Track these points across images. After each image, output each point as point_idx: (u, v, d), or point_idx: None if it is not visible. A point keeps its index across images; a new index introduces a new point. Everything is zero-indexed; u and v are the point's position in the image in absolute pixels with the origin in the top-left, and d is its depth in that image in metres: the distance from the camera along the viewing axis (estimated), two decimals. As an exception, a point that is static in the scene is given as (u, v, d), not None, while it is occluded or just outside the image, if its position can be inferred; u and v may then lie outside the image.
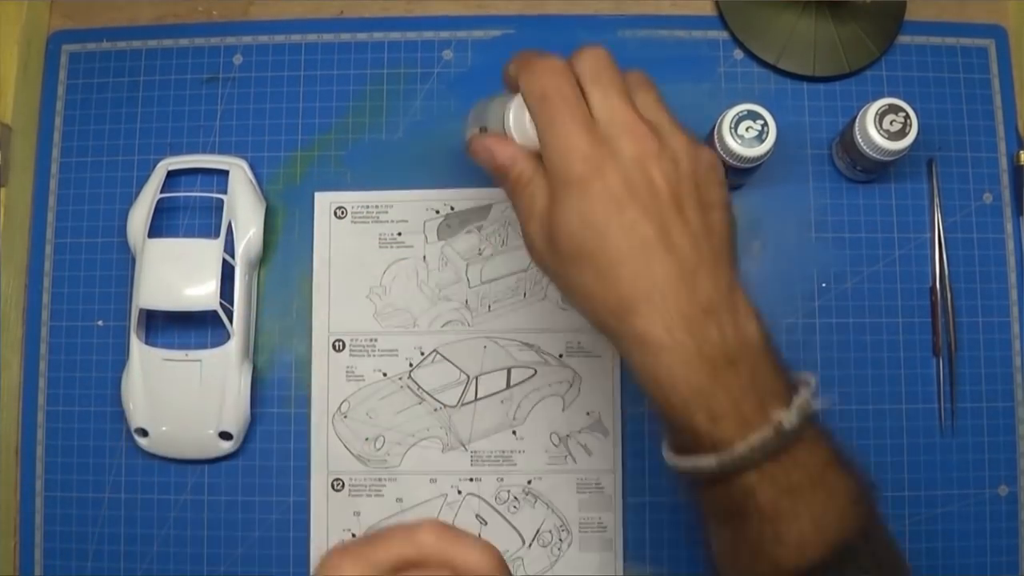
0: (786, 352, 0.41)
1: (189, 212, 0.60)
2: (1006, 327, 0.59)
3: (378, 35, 0.62)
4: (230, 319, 0.56)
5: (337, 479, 0.58)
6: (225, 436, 0.57)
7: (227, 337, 0.57)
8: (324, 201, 0.60)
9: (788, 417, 0.38)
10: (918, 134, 0.53)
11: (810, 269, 0.59)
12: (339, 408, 0.59)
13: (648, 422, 0.58)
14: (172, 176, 0.60)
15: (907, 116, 0.53)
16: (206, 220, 0.60)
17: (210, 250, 0.56)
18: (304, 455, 0.58)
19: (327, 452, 0.58)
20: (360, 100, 0.61)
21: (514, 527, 0.58)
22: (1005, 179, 0.60)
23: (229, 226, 0.57)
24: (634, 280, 0.39)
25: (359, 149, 0.61)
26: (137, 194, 0.59)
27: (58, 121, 0.62)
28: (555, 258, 0.41)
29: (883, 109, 0.53)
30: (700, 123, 0.56)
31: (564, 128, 0.40)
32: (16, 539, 0.59)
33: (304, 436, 0.59)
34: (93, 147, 0.61)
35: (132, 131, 0.61)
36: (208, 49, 0.62)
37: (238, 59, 0.62)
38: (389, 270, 0.60)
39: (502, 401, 0.58)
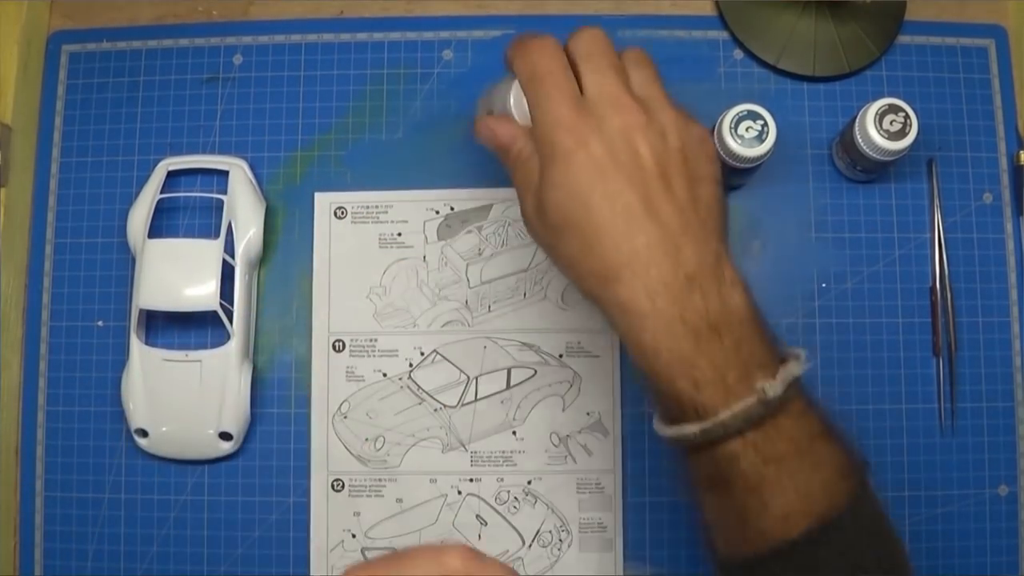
0: (786, 352, 0.42)
1: (189, 212, 0.60)
2: (1006, 327, 0.59)
3: (378, 35, 0.62)
4: (230, 319, 0.56)
5: (337, 479, 0.58)
6: (225, 436, 0.57)
7: (227, 337, 0.57)
8: (324, 201, 0.60)
9: (773, 386, 0.38)
10: (918, 134, 0.53)
11: (810, 269, 0.59)
12: (339, 408, 0.59)
13: (648, 422, 0.58)
14: (172, 176, 0.60)
15: (907, 116, 0.53)
16: (206, 220, 0.60)
17: (210, 250, 0.56)
18: (304, 455, 0.58)
19: (327, 452, 0.58)
20: (360, 100, 0.61)
21: (514, 527, 0.58)
22: (1005, 179, 0.60)
23: (229, 226, 0.57)
24: (617, 247, 0.40)
25: (359, 149, 0.61)
26: (137, 194, 0.59)
27: (58, 121, 0.62)
28: (545, 230, 0.42)
29: (883, 109, 0.53)
30: (700, 123, 0.56)
31: (552, 103, 0.41)
32: (16, 539, 0.59)
33: (304, 436, 0.59)
34: (93, 147, 0.61)
35: (132, 131, 0.61)
36: (208, 49, 0.62)
37: (238, 59, 0.62)
38: (389, 270, 0.60)
39: (502, 401, 0.58)
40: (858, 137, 0.54)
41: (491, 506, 0.58)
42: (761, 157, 0.53)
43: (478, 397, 0.58)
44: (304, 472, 0.58)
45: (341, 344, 0.59)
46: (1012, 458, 0.58)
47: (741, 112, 0.53)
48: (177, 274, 0.56)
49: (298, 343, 0.59)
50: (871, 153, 0.54)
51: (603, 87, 0.41)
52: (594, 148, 0.40)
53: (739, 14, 0.61)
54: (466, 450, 0.58)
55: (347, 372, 0.59)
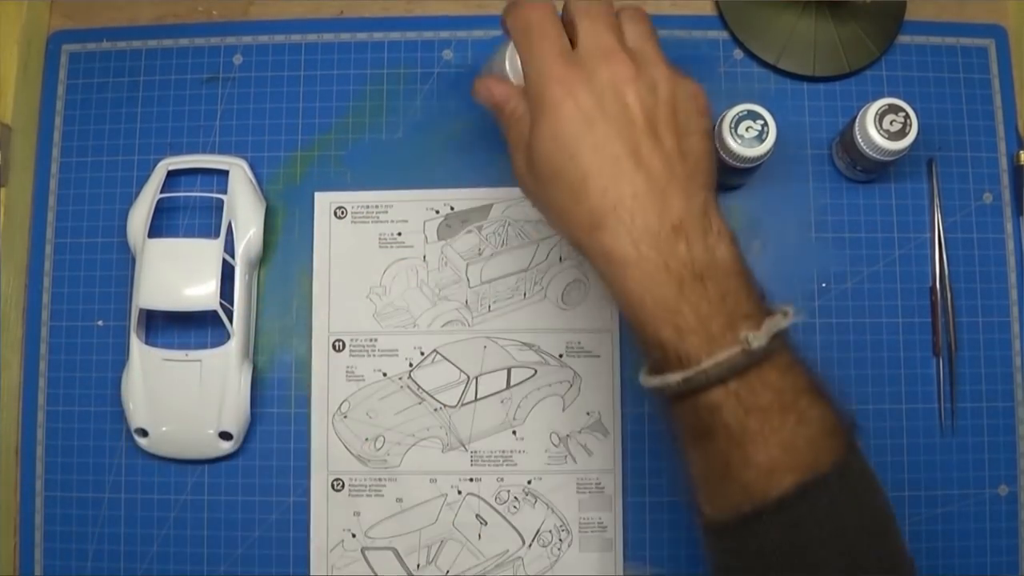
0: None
1: (189, 212, 0.60)
2: (1006, 327, 0.59)
3: (378, 35, 0.62)
4: (230, 319, 0.56)
5: (337, 479, 0.58)
6: (225, 436, 0.57)
7: (227, 337, 0.57)
8: (324, 201, 0.60)
9: (757, 337, 0.39)
10: (918, 134, 0.53)
11: (810, 269, 0.59)
12: (339, 408, 0.59)
13: (648, 422, 0.58)
14: (172, 176, 0.60)
15: (907, 116, 0.53)
16: (206, 220, 0.60)
17: (210, 250, 0.56)
18: (304, 455, 0.58)
19: (327, 452, 0.58)
20: (360, 100, 0.61)
21: (514, 527, 0.58)
22: (1005, 179, 0.60)
23: (229, 226, 0.57)
24: (602, 195, 0.40)
25: (359, 149, 0.61)
26: (137, 194, 0.59)
27: (58, 121, 0.62)
28: (535, 182, 0.43)
29: (883, 109, 0.53)
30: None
31: (541, 55, 0.42)
32: (16, 539, 0.59)
33: (304, 436, 0.59)
34: (93, 147, 0.61)
35: (132, 131, 0.61)
36: (208, 49, 0.62)
37: (238, 59, 0.62)
38: (389, 270, 0.60)
39: (502, 401, 0.58)
40: (858, 137, 0.54)
41: (491, 506, 0.58)
42: (761, 157, 0.53)
43: (478, 397, 0.58)
44: (304, 472, 0.58)
45: (341, 344, 0.59)
46: (1012, 458, 0.58)
47: (741, 112, 0.53)
48: (177, 274, 0.56)
49: (298, 343, 0.59)
50: (871, 153, 0.54)
51: (595, 40, 0.42)
52: (582, 99, 0.41)
53: (739, 14, 0.61)
54: (466, 450, 0.58)
55: (347, 372, 0.59)
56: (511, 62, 0.46)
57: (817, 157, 0.60)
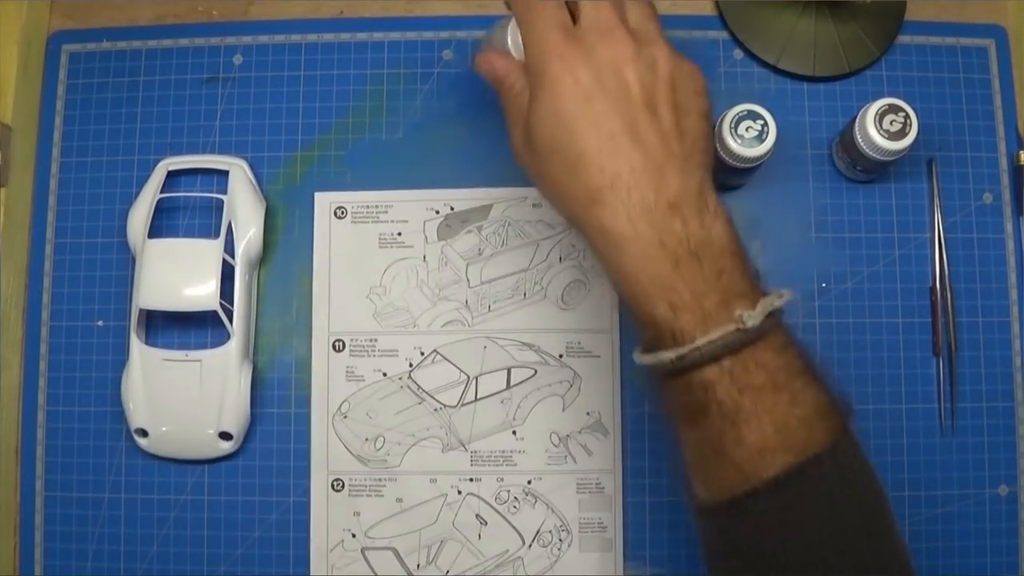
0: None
1: (189, 212, 0.60)
2: (1006, 327, 0.59)
3: (378, 35, 0.62)
4: (230, 319, 0.56)
5: (337, 479, 0.58)
6: (225, 436, 0.57)
7: (227, 337, 0.57)
8: (324, 201, 0.60)
9: (751, 316, 0.39)
10: (918, 134, 0.53)
11: (810, 269, 0.59)
12: (339, 408, 0.59)
13: (648, 422, 0.58)
14: (172, 176, 0.60)
15: (907, 116, 0.53)
16: (206, 220, 0.60)
17: (210, 250, 0.56)
18: (304, 455, 0.58)
19: (327, 452, 0.58)
20: (360, 100, 0.61)
21: (514, 527, 0.58)
22: (1005, 179, 0.60)
23: (229, 226, 0.57)
24: (600, 171, 0.40)
25: (359, 149, 0.61)
26: (137, 194, 0.59)
27: (58, 121, 0.62)
28: (532, 157, 0.43)
29: (883, 109, 0.53)
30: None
31: (542, 30, 0.42)
32: (16, 539, 0.59)
33: (304, 436, 0.59)
34: (93, 147, 0.61)
35: (132, 131, 0.61)
36: (208, 49, 0.62)
37: (238, 59, 0.62)
38: (389, 270, 0.60)
39: (502, 401, 0.58)
40: (858, 137, 0.54)
41: (491, 506, 0.58)
42: (761, 157, 0.53)
43: (478, 397, 0.58)
44: (304, 472, 0.58)
45: (341, 344, 0.59)
46: (1012, 458, 0.58)
47: (741, 112, 0.53)
48: (177, 274, 0.56)
49: (298, 343, 0.59)
50: (871, 153, 0.54)
51: (596, 17, 0.42)
52: (581, 75, 0.41)
53: (739, 14, 0.61)
54: (466, 450, 0.58)
55: (347, 372, 0.59)
56: (513, 36, 0.46)
57: (817, 157, 0.60)
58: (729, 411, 0.39)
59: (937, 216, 0.59)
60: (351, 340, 0.59)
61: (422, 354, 0.59)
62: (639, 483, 0.58)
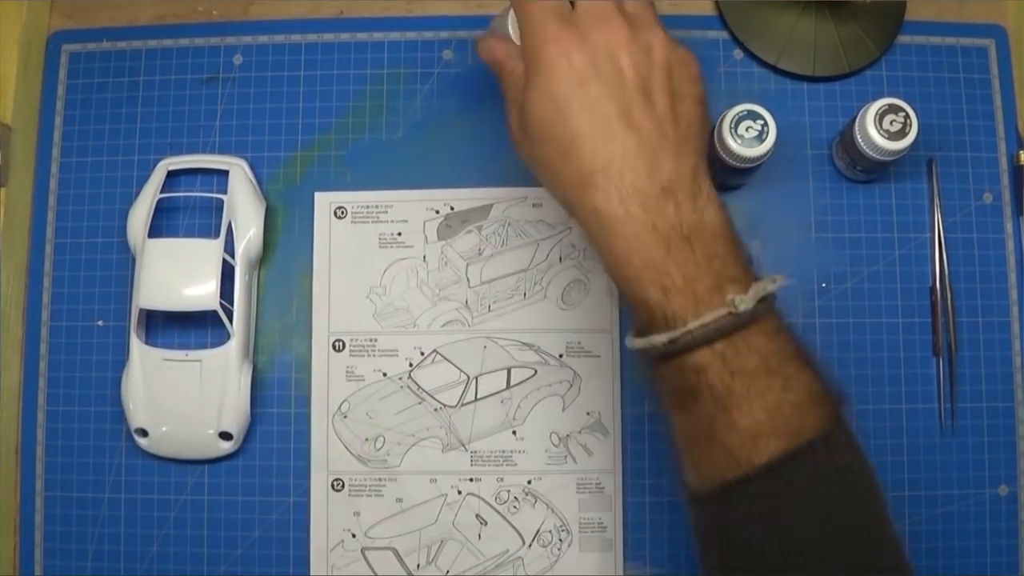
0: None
1: (189, 212, 0.60)
2: (1006, 327, 0.59)
3: (378, 35, 0.62)
4: (230, 319, 0.56)
5: (337, 479, 0.58)
6: (225, 436, 0.57)
7: (227, 337, 0.57)
8: (324, 201, 0.60)
9: (744, 300, 0.39)
10: (918, 134, 0.53)
11: (810, 269, 0.59)
12: (339, 408, 0.59)
13: (648, 422, 0.58)
14: (172, 176, 0.60)
15: (907, 116, 0.53)
16: (206, 220, 0.60)
17: (210, 250, 0.56)
18: (304, 455, 0.58)
19: (327, 452, 0.58)
20: (360, 100, 0.61)
21: (514, 527, 0.58)
22: (1005, 179, 0.60)
23: (229, 226, 0.57)
24: (593, 154, 0.41)
25: (359, 149, 0.61)
26: (137, 194, 0.59)
27: (58, 121, 0.62)
28: (527, 141, 0.44)
29: (883, 109, 0.53)
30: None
31: (538, 16, 0.43)
32: (16, 539, 0.59)
33: (304, 436, 0.59)
34: (93, 147, 0.61)
35: (132, 131, 0.61)
36: (208, 49, 0.62)
37: (238, 59, 0.62)
38: (389, 270, 0.60)
39: (502, 401, 0.58)
40: (858, 137, 0.54)
41: (491, 506, 0.58)
42: (761, 157, 0.53)
43: (478, 397, 0.58)
44: (304, 472, 0.58)
45: (341, 344, 0.59)
46: (1012, 458, 0.58)
47: (741, 112, 0.53)
48: (177, 274, 0.56)
49: (298, 343, 0.59)
50: (871, 153, 0.54)
51: (592, 4, 0.43)
52: (576, 59, 0.41)
53: (739, 14, 0.61)
54: (466, 450, 0.58)
55: (347, 372, 0.59)
56: (513, 23, 0.47)
57: (817, 157, 0.60)
58: (721, 395, 0.39)
59: (937, 216, 0.59)
60: (351, 340, 0.59)
61: (422, 354, 0.59)
62: (639, 483, 0.58)
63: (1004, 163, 0.60)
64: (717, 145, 0.53)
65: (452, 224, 0.60)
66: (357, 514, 0.58)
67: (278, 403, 0.59)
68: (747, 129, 0.53)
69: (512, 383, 0.58)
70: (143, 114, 0.61)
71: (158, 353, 0.57)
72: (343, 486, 0.58)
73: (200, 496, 0.58)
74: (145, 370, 0.57)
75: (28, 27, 0.61)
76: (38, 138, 0.62)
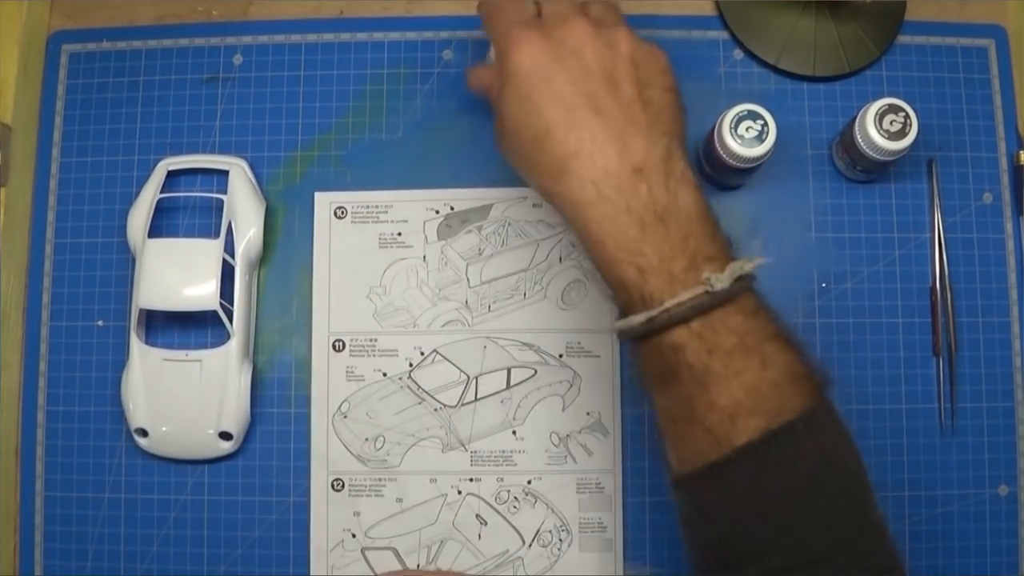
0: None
1: (189, 212, 0.60)
2: (1006, 327, 0.59)
3: (378, 35, 0.62)
4: (230, 319, 0.56)
5: (337, 479, 0.58)
6: (225, 436, 0.57)
7: (227, 337, 0.57)
8: (324, 201, 0.60)
9: (720, 279, 0.39)
10: (918, 134, 0.53)
11: (810, 269, 0.59)
12: (339, 408, 0.59)
13: (648, 422, 0.58)
14: (172, 176, 0.60)
15: (907, 116, 0.53)
16: (206, 220, 0.60)
17: (210, 250, 0.56)
18: (304, 455, 0.58)
19: (327, 452, 0.58)
20: (360, 100, 0.61)
21: (514, 527, 0.58)
22: (1005, 179, 0.60)
23: (229, 226, 0.57)
24: (564, 141, 0.43)
25: (359, 149, 0.61)
26: (137, 194, 0.59)
27: (58, 121, 0.62)
28: (506, 140, 0.46)
29: (883, 109, 0.53)
30: (700, 123, 0.56)
31: (505, 25, 0.46)
32: (16, 539, 0.59)
33: (304, 436, 0.59)
34: (93, 147, 0.61)
35: (132, 131, 0.61)
36: (208, 49, 0.62)
37: (238, 59, 0.62)
38: (389, 270, 0.60)
39: (502, 401, 0.58)
40: (858, 137, 0.54)
41: (491, 506, 0.58)
42: (761, 157, 0.53)
43: (478, 397, 0.58)
44: (304, 472, 0.58)
45: (341, 344, 0.59)
46: (1012, 458, 0.58)
47: (741, 112, 0.53)
48: (177, 274, 0.56)
49: (298, 343, 0.59)
50: (871, 153, 0.54)
51: (555, 8, 0.46)
52: (540, 57, 0.44)
53: (739, 14, 0.61)
54: (466, 450, 0.58)
55: (347, 372, 0.59)
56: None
57: (817, 157, 0.60)
58: (699, 374, 0.40)
59: (937, 216, 0.59)
60: (351, 340, 0.59)
61: (422, 354, 0.59)
62: (639, 483, 0.58)
63: (1004, 163, 0.60)
64: (717, 145, 0.53)
65: (452, 224, 0.60)
66: (357, 514, 0.58)
67: (278, 403, 0.59)
68: (747, 129, 0.53)
69: (512, 383, 0.58)
70: (143, 114, 0.61)
71: (158, 353, 0.57)
72: (343, 486, 0.58)
73: (200, 496, 0.58)
74: (145, 370, 0.57)
75: (28, 27, 0.61)
76: (38, 138, 0.62)
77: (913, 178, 0.60)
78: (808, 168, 0.60)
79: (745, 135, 0.53)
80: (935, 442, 0.58)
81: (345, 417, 0.58)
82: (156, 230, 0.58)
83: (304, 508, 0.58)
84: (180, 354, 0.57)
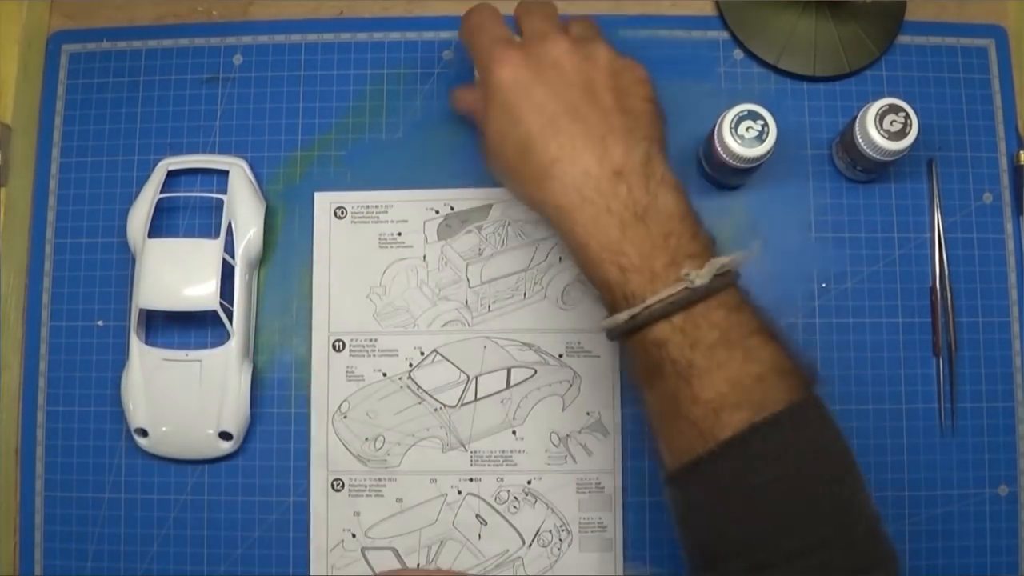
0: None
1: (189, 212, 0.60)
2: (1006, 327, 0.59)
3: (378, 35, 0.62)
4: (230, 319, 0.56)
5: (337, 479, 0.58)
6: (225, 436, 0.57)
7: (227, 337, 0.57)
8: (324, 201, 0.60)
9: (700, 275, 0.40)
10: (918, 134, 0.53)
11: (810, 269, 0.59)
12: (339, 408, 0.59)
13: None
14: (172, 176, 0.60)
15: (907, 116, 0.53)
16: (206, 220, 0.60)
17: (210, 250, 0.56)
18: (304, 455, 0.58)
19: (327, 452, 0.58)
20: (360, 100, 0.61)
21: (514, 527, 0.58)
22: (1005, 179, 0.60)
23: (229, 226, 0.57)
24: (545, 148, 0.44)
25: (359, 149, 0.61)
26: (137, 194, 0.59)
27: (58, 121, 0.62)
28: (492, 154, 0.47)
29: (883, 109, 0.53)
30: (700, 123, 0.56)
31: (486, 46, 0.47)
32: (16, 539, 0.59)
33: (304, 436, 0.59)
34: (93, 147, 0.61)
35: (132, 131, 0.61)
36: (208, 49, 0.62)
37: (238, 59, 0.62)
38: (389, 270, 0.60)
39: (502, 401, 0.58)
40: (858, 137, 0.54)
41: (491, 506, 0.58)
42: (761, 157, 0.53)
43: (478, 397, 0.58)
44: (304, 472, 0.58)
45: (341, 344, 0.59)
46: (1012, 458, 0.58)
47: (741, 112, 0.53)
48: (177, 274, 0.56)
49: (298, 343, 0.59)
50: (871, 153, 0.54)
51: (533, 27, 0.47)
52: (520, 72, 0.45)
53: (739, 14, 0.61)
54: (466, 450, 0.58)
55: (347, 372, 0.59)
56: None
57: (817, 157, 0.60)
58: (682, 368, 0.41)
59: (937, 216, 0.59)
60: (351, 340, 0.59)
61: (422, 354, 0.59)
62: (639, 483, 0.58)
63: (1004, 163, 0.60)
64: (717, 145, 0.53)
65: (452, 224, 0.60)
66: (357, 514, 0.58)
67: (278, 403, 0.59)
68: (747, 129, 0.53)
69: (512, 383, 0.58)
70: (143, 114, 0.61)
71: (158, 353, 0.57)
72: (343, 486, 0.58)
73: (200, 496, 0.58)
74: (145, 370, 0.57)
75: (28, 27, 0.61)
76: (38, 138, 0.62)
77: (913, 178, 0.60)
78: (808, 168, 0.60)
79: (745, 135, 0.53)
80: (935, 442, 0.58)
81: (345, 417, 0.58)
82: (156, 230, 0.58)
83: (304, 508, 0.58)
84: (180, 354, 0.57)
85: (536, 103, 0.44)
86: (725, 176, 0.57)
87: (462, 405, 0.58)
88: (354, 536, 0.58)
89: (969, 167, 0.60)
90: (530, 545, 0.58)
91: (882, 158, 0.54)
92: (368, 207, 0.60)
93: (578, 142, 0.43)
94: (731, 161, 0.53)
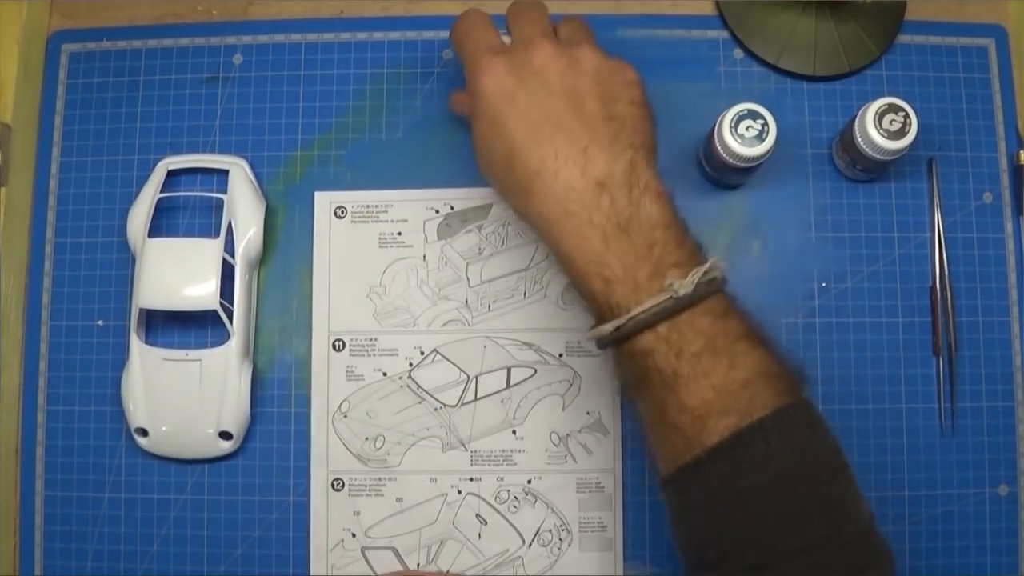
0: (786, 352, 0.42)
1: (189, 212, 0.60)
2: (1006, 327, 0.59)
3: (378, 35, 0.62)
4: (230, 319, 0.56)
5: (337, 479, 0.58)
6: (225, 436, 0.57)
7: (227, 337, 0.57)
8: (324, 201, 0.60)
9: (683, 285, 0.40)
10: (918, 134, 0.53)
11: (810, 269, 0.59)
12: (339, 408, 0.59)
13: (648, 422, 0.58)
14: (172, 176, 0.60)
15: (907, 116, 0.53)
16: (206, 220, 0.60)
17: (210, 250, 0.56)
18: (304, 455, 0.58)
19: (327, 452, 0.58)
20: (360, 100, 0.61)
21: (514, 527, 0.58)
22: (1005, 179, 0.60)
23: (229, 226, 0.57)
24: (527, 159, 0.44)
25: (359, 149, 0.61)
26: (137, 194, 0.59)
27: (58, 121, 0.62)
28: (482, 162, 0.47)
29: (883, 109, 0.53)
30: (700, 123, 0.56)
31: (473, 52, 0.47)
32: (16, 539, 0.59)
33: (304, 436, 0.59)
34: (93, 147, 0.61)
35: (132, 131, 0.61)
36: (208, 49, 0.62)
37: (238, 59, 0.62)
38: (389, 270, 0.60)
39: (502, 401, 0.58)
40: (858, 137, 0.54)
41: (491, 505, 0.58)
42: (761, 157, 0.53)
43: (478, 396, 0.58)
44: (304, 472, 0.58)
45: (341, 343, 0.59)
46: (1012, 458, 0.58)
47: (741, 111, 0.53)
48: (177, 273, 0.56)
49: (298, 343, 0.59)
50: (871, 153, 0.54)
51: (520, 32, 0.47)
52: (504, 80, 0.45)
53: (739, 14, 0.61)
54: (466, 449, 0.58)
55: (347, 371, 0.59)
56: None
57: (817, 157, 0.60)
58: (668, 377, 0.41)
59: (937, 216, 0.59)
60: (351, 340, 0.59)
61: (422, 353, 0.59)
62: (639, 483, 0.58)
63: (1004, 163, 0.60)
64: (717, 144, 0.53)
65: (452, 224, 0.60)
66: (357, 514, 0.58)
67: (278, 403, 0.59)
68: (747, 128, 0.53)
69: (512, 382, 0.58)
70: (143, 114, 0.61)
71: (158, 353, 0.57)
72: (343, 486, 0.58)
73: (200, 496, 0.58)
74: (145, 370, 0.57)
75: (28, 27, 0.61)
76: (38, 138, 0.62)
77: (913, 178, 0.60)
78: (808, 168, 0.60)
79: (745, 134, 0.53)
80: (935, 442, 0.58)
81: (345, 417, 0.58)
82: (156, 230, 0.58)
83: (304, 508, 0.58)
84: (180, 354, 0.57)
85: (519, 113, 0.44)
86: (725, 175, 0.57)
87: (462, 405, 0.58)
88: (354, 536, 0.58)
89: (969, 167, 0.60)
90: (530, 545, 0.58)
91: (882, 157, 0.54)
92: (368, 207, 0.60)
93: (561, 153, 0.43)
94: (731, 160, 0.53)
